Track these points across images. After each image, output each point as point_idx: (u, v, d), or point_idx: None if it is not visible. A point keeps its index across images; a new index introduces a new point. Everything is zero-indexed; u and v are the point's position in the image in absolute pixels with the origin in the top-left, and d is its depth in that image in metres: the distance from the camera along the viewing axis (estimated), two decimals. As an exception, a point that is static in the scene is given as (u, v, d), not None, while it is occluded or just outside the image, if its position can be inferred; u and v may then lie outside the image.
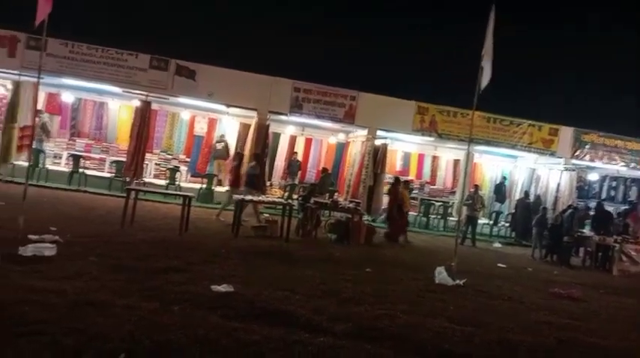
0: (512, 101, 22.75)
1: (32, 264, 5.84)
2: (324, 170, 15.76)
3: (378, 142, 15.97)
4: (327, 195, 14.51)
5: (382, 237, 12.62)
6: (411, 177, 18.66)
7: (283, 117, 15.98)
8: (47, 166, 14.56)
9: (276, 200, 12.41)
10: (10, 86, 14.14)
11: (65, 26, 12.30)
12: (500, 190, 18.56)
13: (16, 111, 13.61)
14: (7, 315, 4.23)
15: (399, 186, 13.21)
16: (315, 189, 12.69)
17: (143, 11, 26.02)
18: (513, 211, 17.11)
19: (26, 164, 10.28)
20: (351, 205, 12.22)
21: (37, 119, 13.65)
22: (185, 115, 17.35)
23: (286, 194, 15.58)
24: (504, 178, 19.14)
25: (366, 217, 13.59)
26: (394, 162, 18.83)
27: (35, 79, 8.00)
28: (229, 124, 17.51)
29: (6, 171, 13.70)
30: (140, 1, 26.65)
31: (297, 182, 17.02)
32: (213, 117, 17.57)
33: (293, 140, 18.70)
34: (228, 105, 15.72)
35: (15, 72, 13.78)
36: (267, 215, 12.30)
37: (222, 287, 5.81)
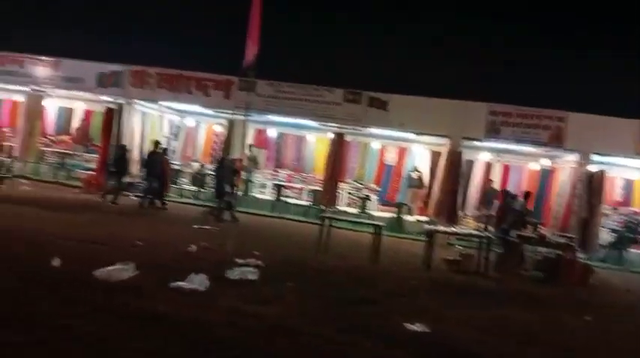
0: None
1: (237, 287, 6.20)
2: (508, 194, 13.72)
3: (592, 168, 13.92)
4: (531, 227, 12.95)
5: None
6: (636, 208, 15.85)
7: (477, 143, 15.06)
8: (255, 194, 16.00)
9: (473, 232, 11.53)
10: (226, 124, 16.05)
11: (270, 68, 13.48)
12: None
13: (229, 146, 15.36)
14: (211, 338, 4.44)
15: None
16: (518, 220, 11.38)
17: (336, 46, 27.60)
18: None
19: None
20: (561, 240, 10.71)
21: (246, 152, 15.12)
22: (376, 145, 17.61)
23: (483, 225, 14.50)
24: None
25: (579, 254, 11.79)
26: (612, 191, 16.24)
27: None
28: (418, 153, 17.23)
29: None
30: (332, 38, 28.39)
31: (493, 213, 15.72)
32: (403, 146, 17.47)
33: (488, 167, 17.49)
34: (419, 133, 15.43)
35: (229, 111, 15.59)
36: (459, 247, 11.52)
37: (416, 326, 5.38)
